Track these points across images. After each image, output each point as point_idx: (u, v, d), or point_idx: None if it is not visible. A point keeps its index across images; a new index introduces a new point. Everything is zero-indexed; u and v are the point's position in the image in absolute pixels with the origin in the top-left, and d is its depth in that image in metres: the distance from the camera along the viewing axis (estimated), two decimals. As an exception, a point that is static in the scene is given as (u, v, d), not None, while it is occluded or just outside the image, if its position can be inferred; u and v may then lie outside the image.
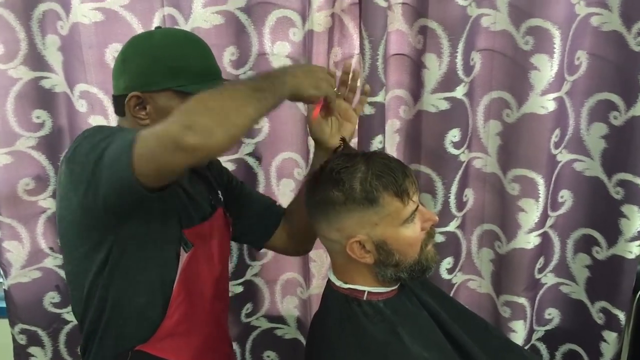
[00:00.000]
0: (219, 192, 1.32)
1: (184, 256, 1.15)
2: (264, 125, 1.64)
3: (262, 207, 1.41)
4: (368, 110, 1.50)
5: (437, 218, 1.10)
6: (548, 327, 1.84)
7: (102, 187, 0.98)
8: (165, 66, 1.10)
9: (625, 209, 1.59)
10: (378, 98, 1.50)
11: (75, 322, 1.84)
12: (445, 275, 1.73)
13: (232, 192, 1.38)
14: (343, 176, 1.04)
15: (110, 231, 1.08)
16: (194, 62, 1.12)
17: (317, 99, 1.13)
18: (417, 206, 1.08)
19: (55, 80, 1.61)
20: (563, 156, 1.65)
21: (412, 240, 1.07)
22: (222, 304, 1.33)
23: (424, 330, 1.11)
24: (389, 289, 1.12)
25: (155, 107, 1.10)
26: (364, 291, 1.10)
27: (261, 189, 1.70)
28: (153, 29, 1.18)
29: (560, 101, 1.54)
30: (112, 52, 1.54)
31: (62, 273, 1.81)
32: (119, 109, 1.16)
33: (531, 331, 1.79)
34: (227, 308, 1.38)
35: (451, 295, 1.76)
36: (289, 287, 1.82)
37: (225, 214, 1.31)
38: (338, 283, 1.12)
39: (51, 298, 1.83)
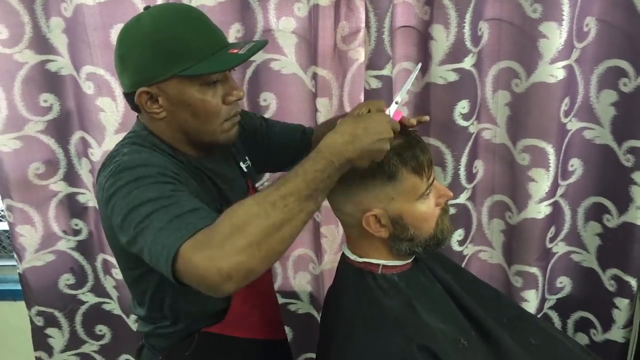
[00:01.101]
0: (245, 162, 1.31)
1: None
2: (272, 102, 1.64)
3: (293, 139, 1.42)
4: (374, 84, 1.49)
5: (451, 194, 1.11)
6: (560, 296, 1.84)
7: (145, 259, 0.94)
8: (163, 53, 1.02)
9: (636, 176, 1.58)
10: (385, 71, 1.49)
11: (90, 302, 1.88)
12: (456, 247, 1.74)
13: (262, 142, 1.37)
14: None
15: None
16: (191, 39, 1.03)
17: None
18: (433, 182, 1.09)
19: (62, 63, 1.61)
20: (573, 124, 1.64)
21: (426, 215, 1.07)
22: (269, 273, 1.36)
23: (438, 302, 1.12)
24: (403, 263, 1.12)
25: (167, 98, 1.05)
26: (379, 265, 1.10)
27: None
28: (142, 10, 1.08)
29: (569, 69, 1.52)
30: (117, 32, 1.52)
31: (75, 255, 1.83)
32: (134, 106, 1.11)
33: (543, 300, 1.80)
34: (271, 277, 1.39)
35: (463, 266, 1.77)
36: (301, 263, 1.83)
37: (254, 187, 1.32)
38: (352, 257, 1.13)
39: (66, 280, 1.86)
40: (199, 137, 1.10)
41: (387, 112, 1.07)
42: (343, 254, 1.17)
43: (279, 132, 1.41)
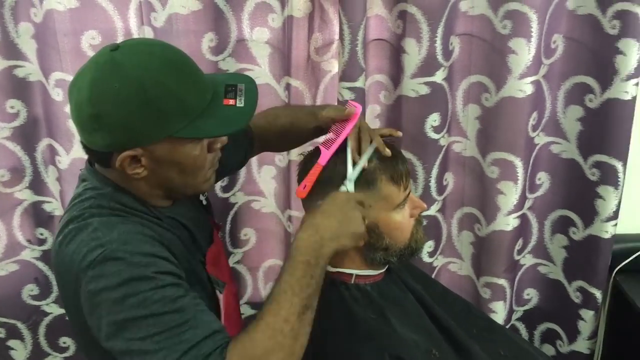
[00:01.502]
0: (204, 194, 1.24)
1: (221, 298, 1.09)
2: (244, 112, 1.63)
3: (238, 139, 1.29)
4: (348, 95, 1.50)
5: (425, 206, 1.13)
6: (527, 307, 1.87)
7: None
8: (155, 113, 0.89)
9: (601, 189, 1.62)
10: (358, 83, 1.50)
11: (54, 313, 1.83)
12: (426, 258, 1.75)
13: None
14: (343, 158, 1.05)
15: None
16: (184, 94, 0.92)
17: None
18: (409, 192, 1.10)
19: (30, 69, 1.58)
20: (540, 139, 1.67)
21: (402, 225, 1.09)
22: (236, 296, 1.31)
23: (411, 313, 1.12)
24: (376, 272, 1.13)
25: (152, 157, 0.93)
26: (352, 274, 1.11)
27: (242, 175, 1.70)
28: (108, 49, 0.92)
29: (537, 84, 1.56)
30: (88, 39, 1.51)
31: (40, 265, 1.79)
32: (101, 162, 0.98)
33: (511, 311, 1.82)
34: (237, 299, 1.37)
35: (433, 277, 1.78)
36: (271, 273, 1.82)
37: (215, 222, 1.25)
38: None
39: (30, 290, 1.81)
40: (182, 191, 1.03)
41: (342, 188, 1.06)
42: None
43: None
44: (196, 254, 1.08)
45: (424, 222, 1.65)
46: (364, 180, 1.05)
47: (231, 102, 0.97)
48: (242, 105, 0.97)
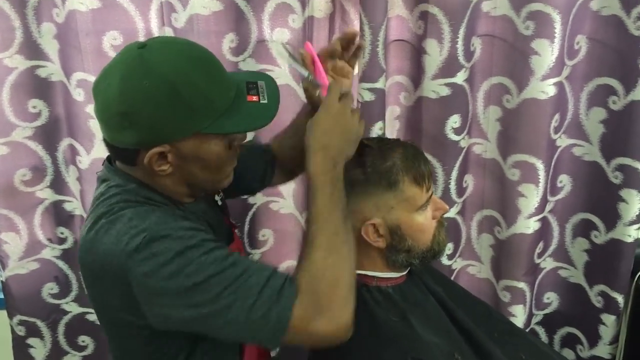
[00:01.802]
0: (219, 195, 1.25)
1: None
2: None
3: (257, 161, 1.35)
4: (368, 96, 1.50)
5: (447, 207, 1.12)
6: (547, 311, 1.85)
7: (210, 334, 0.92)
8: (185, 110, 0.91)
9: (624, 193, 1.60)
10: (378, 84, 1.50)
11: (74, 312, 1.84)
12: (445, 260, 1.74)
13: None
14: (366, 158, 1.04)
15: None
16: (211, 91, 0.94)
17: None
18: (432, 194, 1.09)
19: (52, 69, 1.59)
20: (562, 141, 1.65)
21: (424, 226, 1.08)
22: None
23: (432, 316, 1.12)
24: (397, 275, 1.12)
25: (178, 154, 0.95)
26: (374, 277, 1.10)
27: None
28: (135, 47, 0.94)
29: (560, 86, 1.54)
30: (110, 39, 1.52)
31: (60, 264, 1.80)
32: (127, 161, 0.99)
33: (530, 315, 1.81)
34: None
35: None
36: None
37: (230, 222, 1.26)
38: (347, 269, 1.12)
39: (49, 289, 1.82)
40: (203, 187, 1.05)
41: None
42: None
43: (243, 157, 1.27)
44: None
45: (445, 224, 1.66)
46: (387, 181, 1.04)
47: (254, 98, 0.99)
48: (265, 101, 0.99)
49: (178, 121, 0.92)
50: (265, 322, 0.86)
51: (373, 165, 1.05)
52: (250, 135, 1.51)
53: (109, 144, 0.98)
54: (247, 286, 0.88)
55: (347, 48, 1.18)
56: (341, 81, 1.15)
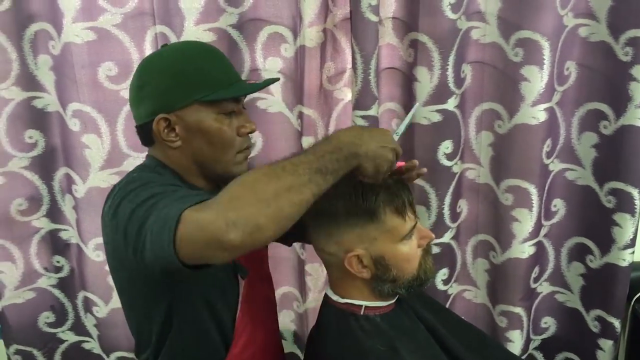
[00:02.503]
0: None
1: (242, 283, 1.13)
2: (258, 140, 1.65)
3: None
4: (361, 123, 1.51)
5: (433, 235, 1.12)
6: (544, 336, 1.84)
7: (147, 257, 0.91)
8: (184, 80, 1.06)
9: (617, 217, 1.60)
10: (371, 112, 1.51)
11: (70, 341, 1.84)
12: (441, 286, 1.73)
13: None
14: (346, 189, 1.04)
15: (169, 284, 1.05)
16: (211, 69, 1.08)
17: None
18: (416, 223, 1.09)
19: (48, 100, 1.61)
20: (555, 165, 1.66)
21: (409, 256, 1.08)
22: (276, 321, 1.33)
23: (422, 344, 1.11)
24: (385, 304, 1.12)
25: (184, 126, 1.06)
26: (361, 306, 1.10)
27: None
28: (160, 47, 1.15)
29: (551, 111, 1.55)
30: (105, 70, 1.55)
31: (56, 292, 1.80)
32: (146, 138, 1.11)
33: (528, 340, 1.79)
34: (277, 323, 1.36)
35: (447, 306, 1.77)
36: (285, 301, 1.82)
37: None
38: (335, 297, 1.12)
39: (46, 318, 1.82)
40: (213, 167, 1.11)
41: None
42: (326, 294, 1.16)
43: None
44: None
45: (436, 250, 1.66)
46: (368, 213, 1.04)
47: (251, 82, 1.14)
48: (260, 82, 1.14)
49: (178, 91, 1.05)
50: (165, 220, 0.86)
51: (354, 197, 1.04)
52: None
53: (137, 127, 1.12)
54: (172, 197, 0.92)
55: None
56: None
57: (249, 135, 1.13)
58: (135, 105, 1.11)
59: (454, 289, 1.79)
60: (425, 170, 1.18)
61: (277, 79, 1.21)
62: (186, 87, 1.05)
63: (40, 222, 1.73)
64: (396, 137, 1.10)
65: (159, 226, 0.87)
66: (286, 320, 1.84)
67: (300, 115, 1.60)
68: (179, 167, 1.11)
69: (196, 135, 1.07)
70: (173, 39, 1.51)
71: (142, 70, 1.10)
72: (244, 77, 1.58)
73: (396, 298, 1.14)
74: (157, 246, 0.87)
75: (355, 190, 1.04)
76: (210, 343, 1.13)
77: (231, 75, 1.11)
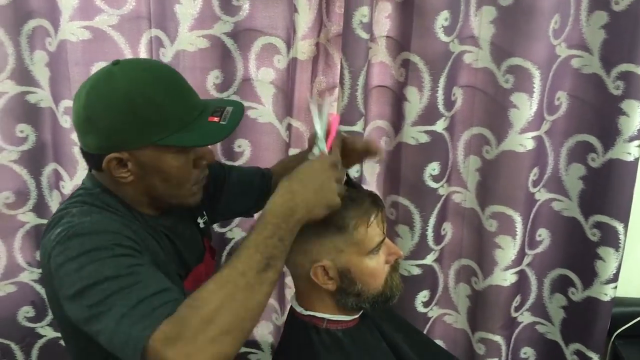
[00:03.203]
0: (203, 217, 1.27)
1: None
2: (246, 149, 1.65)
3: (252, 184, 1.38)
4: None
5: (402, 253, 1.10)
6: (523, 367, 1.82)
7: (100, 341, 0.88)
8: (138, 121, 0.96)
9: (601, 251, 1.59)
10: (356, 127, 1.51)
11: (48, 336, 1.84)
12: (421, 308, 1.72)
13: (221, 189, 1.34)
14: None
15: None
16: (169, 106, 0.98)
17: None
18: (384, 238, 1.09)
19: (41, 95, 1.63)
20: (541, 195, 1.65)
21: (375, 271, 1.07)
22: None
23: (381, 362, 1.10)
24: (349, 318, 1.11)
25: (137, 163, 1.00)
26: (324, 319, 1.09)
27: (240, 213, 1.71)
28: (111, 64, 1.02)
29: (539, 140, 1.55)
30: (98, 69, 1.54)
31: (37, 287, 1.80)
32: (93, 165, 1.05)
33: (506, 370, 1.78)
34: None
35: (426, 329, 1.75)
36: (264, 312, 1.79)
37: (210, 245, 1.28)
38: (299, 309, 1.12)
39: (25, 312, 1.82)
40: (167, 200, 1.07)
41: (316, 151, 1.06)
42: (291, 306, 1.16)
43: (237, 178, 1.37)
44: (177, 265, 1.11)
45: (419, 272, 1.65)
46: (336, 225, 1.04)
47: (215, 119, 1.02)
48: (225, 123, 1.01)
49: (133, 131, 0.97)
50: (128, 337, 0.83)
51: None
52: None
53: (81, 149, 1.04)
54: (129, 297, 0.86)
55: (359, 156, 1.22)
56: (338, 155, 1.09)
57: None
58: (81, 133, 1.01)
59: (434, 312, 1.78)
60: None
61: (242, 108, 1.07)
62: (141, 128, 0.97)
63: (26, 217, 1.74)
64: (321, 144, 1.06)
65: (122, 341, 0.84)
66: (264, 332, 1.84)
67: (289, 127, 1.61)
68: (127, 198, 1.06)
69: (150, 173, 1.02)
70: (167, 44, 1.53)
71: (89, 99, 0.98)
72: (235, 86, 1.59)
73: (360, 313, 1.13)
74: (118, 351, 0.85)
75: None
76: None
77: (191, 109, 1.02)
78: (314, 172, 0.98)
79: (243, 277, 0.86)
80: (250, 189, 1.38)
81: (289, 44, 1.56)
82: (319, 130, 1.07)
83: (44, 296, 1.82)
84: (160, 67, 1.06)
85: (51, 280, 0.94)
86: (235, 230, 1.73)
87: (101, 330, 0.86)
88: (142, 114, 0.96)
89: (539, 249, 1.71)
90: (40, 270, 1.79)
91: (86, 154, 1.04)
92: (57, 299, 0.94)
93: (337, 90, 1.59)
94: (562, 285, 1.70)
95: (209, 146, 1.07)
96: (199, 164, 1.06)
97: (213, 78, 1.57)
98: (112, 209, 1.03)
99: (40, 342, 1.87)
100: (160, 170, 1.01)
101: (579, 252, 1.64)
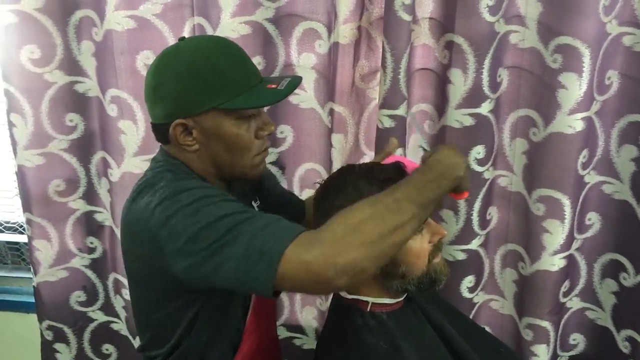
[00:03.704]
0: (256, 202, 1.31)
1: None
2: (288, 135, 1.66)
3: (290, 203, 1.43)
4: (388, 123, 1.50)
5: (445, 232, 1.10)
6: (573, 353, 1.78)
7: (221, 281, 0.91)
8: (202, 85, 1.02)
9: (655, 235, 1.54)
10: (399, 111, 1.50)
11: (99, 320, 1.90)
12: (466, 293, 1.70)
13: (266, 194, 1.37)
14: (352, 184, 1.04)
15: (203, 295, 1.06)
16: (231, 73, 1.03)
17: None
18: (426, 219, 1.08)
19: (89, 85, 1.67)
20: (591, 177, 1.61)
21: (418, 251, 1.06)
22: (276, 327, 1.36)
23: (427, 345, 1.09)
24: (394, 301, 1.11)
25: (201, 130, 1.05)
26: (368, 302, 1.09)
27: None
28: (178, 39, 1.09)
29: (589, 121, 1.50)
30: (143, 58, 1.59)
31: (88, 273, 1.86)
32: (162, 137, 1.10)
33: (555, 356, 1.74)
34: (276, 329, 1.39)
35: (472, 315, 1.73)
36: (309, 297, 1.82)
37: None
38: (343, 293, 1.12)
39: (77, 297, 1.88)
40: (230, 170, 1.10)
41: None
42: (336, 290, 1.16)
43: (281, 191, 1.43)
44: None
45: (464, 257, 1.63)
46: None
47: (273, 86, 1.07)
48: (282, 88, 1.06)
49: (196, 96, 1.02)
50: (261, 254, 0.86)
51: (369, 188, 1.04)
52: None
53: (152, 124, 1.10)
54: (254, 224, 0.90)
55: None
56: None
57: (268, 136, 1.12)
58: (150, 104, 1.08)
59: (480, 297, 1.75)
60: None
61: (300, 79, 1.14)
62: (204, 92, 1.02)
63: (77, 204, 1.79)
64: (425, 144, 1.14)
65: (254, 260, 0.87)
66: (308, 317, 1.84)
67: (331, 112, 1.60)
68: (196, 168, 1.10)
69: (214, 140, 1.06)
70: (209, 31, 1.54)
71: (157, 70, 1.06)
72: (277, 72, 1.60)
73: (405, 296, 1.13)
74: (249, 278, 0.87)
75: (370, 182, 1.04)
76: (222, 345, 1.14)
77: (251, 76, 1.07)
78: (454, 154, 1.03)
79: (396, 203, 0.90)
80: (287, 207, 1.41)
81: (330, 28, 1.55)
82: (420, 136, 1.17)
83: (95, 281, 1.88)
84: (224, 39, 1.11)
85: (152, 240, 0.97)
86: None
87: (224, 261, 0.89)
88: (205, 80, 1.01)
89: (589, 233, 1.67)
90: (91, 256, 1.84)
91: (155, 127, 1.10)
92: (157, 260, 0.97)
93: (379, 74, 1.57)
94: (613, 270, 1.66)
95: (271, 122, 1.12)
96: (260, 134, 1.10)
97: (255, 64, 1.57)
98: (193, 177, 1.08)
99: (92, 325, 1.92)
100: (222, 137, 1.05)
101: (631, 236, 1.59)
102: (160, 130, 1.08)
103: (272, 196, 1.39)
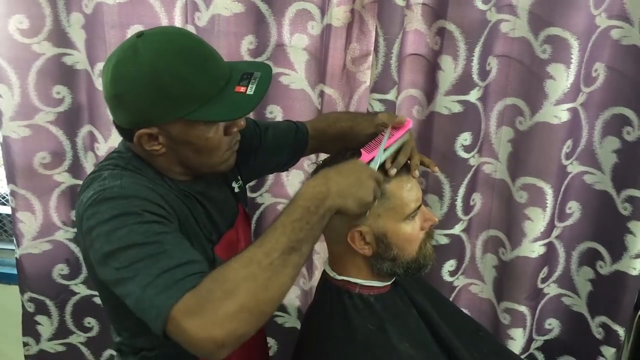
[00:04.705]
0: (237, 182, 1.29)
1: None
2: (278, 115, 1.66)
3: (287, 139, 1.38)
4: (377, 107, 1.51)
5: (436, 219, 1.12)
6: (547, 337, 1.83)
7: (129, 305, 0.90)
8: (166, 96, 0.96)
9: (632, 225, 1.58)
10: (389, 96, 1.51)
11: (82, 293, 1.89)
12: (447, 277, 1.73)
13: (257, 148, 1.33)
14: None
15: None
16: (195, 80, 0.97)
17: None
18: (420, 204, 1.10)
19: (77, 58, 1.65)
20: (574, 167, 1.64)
21: (410, 236, 1.08)
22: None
23: (412, 329, 1.12)
24: (381, 284, 1.13)
25: (167, 137, 1.01)
26: (357, 284, 1.11)
27: (270, 178, 1.72)
28: (135, 36, 1.00)
29: (574, 112, 1.53)
30: (133, 32, 1.55)
31: (72, 246, 1.85)
32: (127, 137, 1.05)
33: (530, 340, 1.79)
34: None
35: (452, 298, 1.77)
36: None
37: (245, 211, 1.29)
38: (332, 274, 1.14)
39: (60, 270, 1.87)
40: (198, 169, 1.09)
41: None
42: (324, 270, 1.18)
43: (273, 134, 1.36)
44: (208, 230, 1.13)
45: (446, 241, 1.66)
46: None
47: (242, 89, 1.00)
48: (251, 93, 1.00)
49: (160, 107, 0.97)
50: (152, 305, 0.85)
51: None
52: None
53: (113, 122, 1.05)
54: (154, 266, 0.88)
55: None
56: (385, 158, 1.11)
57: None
58: (111, 109, 1.03)
59: (460, 281, 1.79)
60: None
61: (270, 74, 1.05)
62: (168, 104, 0.97)
63: (62, 177, 1.77)
64: (375, 166, 1.07)
65: (147, 307, 0.86)
66: (291, 296, 1.87)
67: (322, 94, 1.61)
68: (160, 167, 1.07)
69: (181, 146, 1.03)
70: (202, 8, 1.53)
71: (116, 77, 0.98)
72: (268, 52, 1.59)
73: (392, 280, 1.15)
74: (146, 319, 0.87)
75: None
76: None
77: (217, 80, 1.00)
78: (355, 166, 1.00)
79: (267, 257, 0.86)
80: (285, 146, 1.37)
81: (324, 10, 1.54)
82: (381, 153, 1.09)
83: (78, 255, 1.87)
84: (184, 38, 1.03)
85: (84, 241, 0.98)
86: (266, 196, 1.75)
87: (128, 294, 0.89)
88: (169, 91, 0.96)
89: (569, 222, 1.71)
90: (75, 230, 1.83)
91: (118, 127, 1.05)
92: (89, 257, 0.97)
93: (370, 58, 1.58)
94: (590, 259, 1.70)
95: None
96: (230, 131, 1.07)
97: (247, 43, 1.57)
98: (145, 174, 1.05)
99: (74, 298, 1.92)
100: (191, 142, 1.02)
101: (609, 226, 1.63)
102: (123, 132, 1.05)
103: (266, 148, 1.34)
